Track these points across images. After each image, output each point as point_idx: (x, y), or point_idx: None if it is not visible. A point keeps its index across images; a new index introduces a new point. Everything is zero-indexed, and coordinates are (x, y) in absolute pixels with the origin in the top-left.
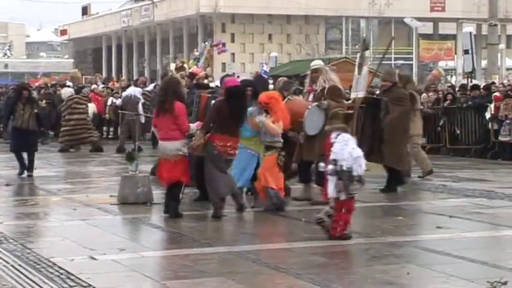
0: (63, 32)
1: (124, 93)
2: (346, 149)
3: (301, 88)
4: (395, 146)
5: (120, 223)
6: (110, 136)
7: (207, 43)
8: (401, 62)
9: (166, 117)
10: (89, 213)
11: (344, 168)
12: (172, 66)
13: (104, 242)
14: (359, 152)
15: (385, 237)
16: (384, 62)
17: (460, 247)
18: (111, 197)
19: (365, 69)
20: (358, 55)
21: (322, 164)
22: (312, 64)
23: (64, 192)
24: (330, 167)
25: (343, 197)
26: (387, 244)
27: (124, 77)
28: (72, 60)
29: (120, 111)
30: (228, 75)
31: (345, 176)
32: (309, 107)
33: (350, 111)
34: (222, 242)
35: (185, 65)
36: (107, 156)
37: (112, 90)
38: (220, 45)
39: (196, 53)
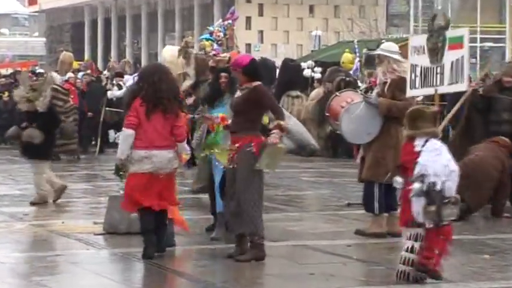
0: (32, 2)
1: (128, 84)
2: (439, 160)
3: (347, 79)
4: None
5: (107, 260)
6: (94, 142)
7: (226, 22)
8: (490, 44)
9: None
10: (66, 246)
11: (437, 186)
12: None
13: (85, 285)
14: (455, 166)
15: (466, 282)
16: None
17: None
18: (95, 224)
19: (457, 53)
20: (427, 37)
21: (399, 180)
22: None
23: (32, 217)
24: (416, 185)
25: (431, 225)
26: None
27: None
28: (43, 39)
29: (106, 108)
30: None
31: (438, 198)
32: (343, 104)
33: (434, 109)
34: (244, 287)
35: (191, 47)
36: (91, 169)
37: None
38: (230, 16)
39: (219, 33)
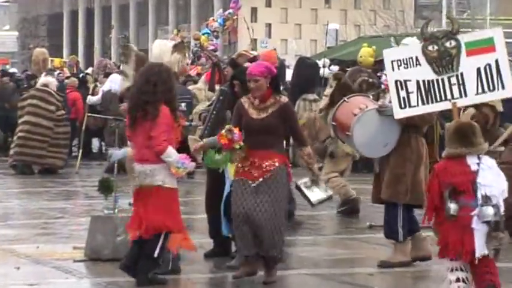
0: None
1: (105, 87)
2: (500, 179)
3: (370, 80)
4: None
5: None
6: (74, 153)
7: (227, 12)
8: None
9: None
10: (41, 275)
11: (502, 209)
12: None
13: None
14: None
15: None
16: None
17: None
18: (75, 249)
19: (486, 57)
20: (424, 44)
21: (454, 206)
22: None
23: (2, 240)
24: (490, 210)
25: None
26: None
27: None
28: (15, 32)
29: (89, 114)
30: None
31: (503, 222)
32: (356, 112)
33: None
34: None
35: (186, 42)
36: (71, 185)
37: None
38: (233, 5)
39: (213, 23)
